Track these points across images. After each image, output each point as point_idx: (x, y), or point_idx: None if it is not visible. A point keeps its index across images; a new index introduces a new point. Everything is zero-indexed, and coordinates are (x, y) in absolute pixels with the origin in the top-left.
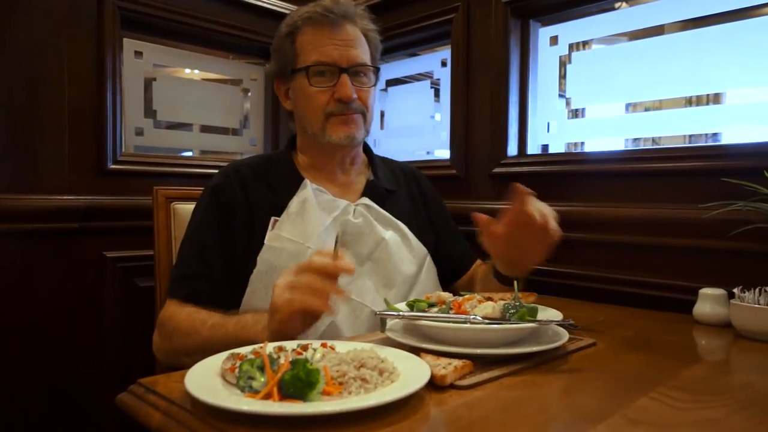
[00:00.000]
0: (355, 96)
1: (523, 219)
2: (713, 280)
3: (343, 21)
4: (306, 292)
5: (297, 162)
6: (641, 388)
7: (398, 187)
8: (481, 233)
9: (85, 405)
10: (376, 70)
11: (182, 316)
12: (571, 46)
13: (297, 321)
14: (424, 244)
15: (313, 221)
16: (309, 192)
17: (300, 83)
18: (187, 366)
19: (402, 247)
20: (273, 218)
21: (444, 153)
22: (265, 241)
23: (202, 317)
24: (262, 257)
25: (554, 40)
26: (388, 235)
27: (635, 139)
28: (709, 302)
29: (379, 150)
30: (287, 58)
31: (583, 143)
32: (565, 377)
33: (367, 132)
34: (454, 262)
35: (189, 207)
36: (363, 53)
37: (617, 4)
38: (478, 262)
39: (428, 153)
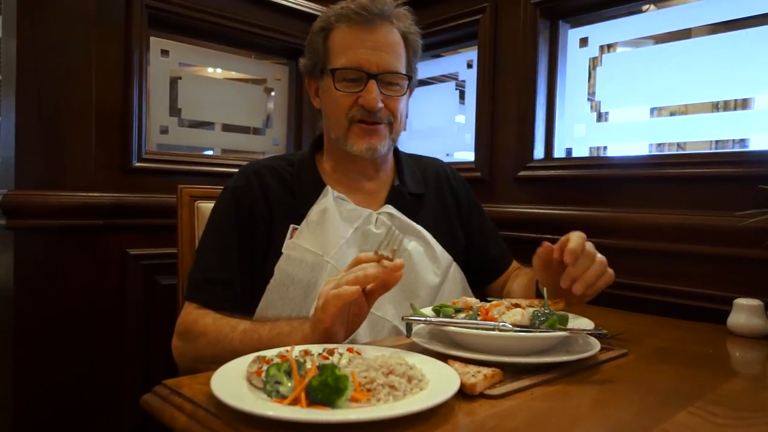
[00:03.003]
0: (381, 105)
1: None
2: (749, 290)
3: (379, 20)
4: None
5: (321, 165)
6: (678, 402)
7: (427, 190)
8: (535, 258)
9: (106, 401)
10: (410, 78)
11: (207, 321)
12: (601, 48)
13: (340, 329)
14: (451, 250)
15: (334, 233)
16: (330, 200)
17: (327, 84)
18: (211, 371)
19: (425, 258)
20: (292, 226)
21: (466, 155)
22: (283, 250)
23: (231, 323)
24: (280, 266)
25: (584, 42)
26: (411, 245)
27: (659, 144)
28: (744, 313)
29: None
30: (319, 56)
31: (605, 147)
32: (597, 388)
33: (394, 141)
34: (488, 264)
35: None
36: (396, 58)
37: (645, 7)
38: (515, 265)
39: (448, 155)
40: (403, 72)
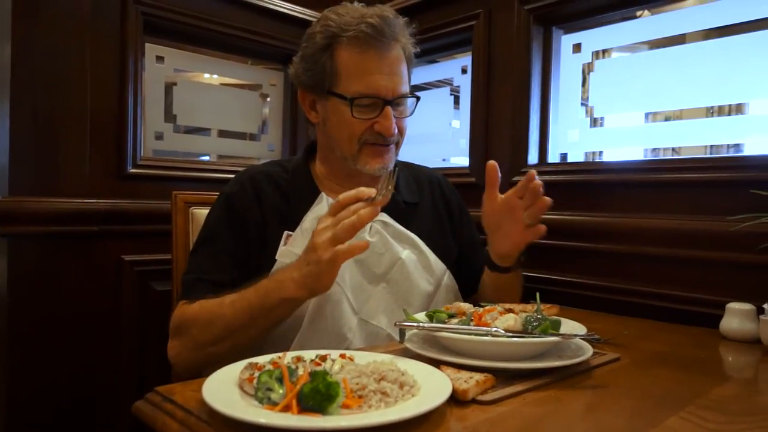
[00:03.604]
0: (396, 130)
1: (512, 204)
2: (741, 294)
3: (391, 43)
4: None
5: (314, 172)
6: (670, 407)
7: (421, 198)
8: (485, 189)
9: (101, 408)
10: (417, 98)
11: (194, 308)
12: (594, 54)
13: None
14: (444, 259)
15: None
16: (325, 207)
17: (337, 107)
18: (212, 357)
19: (419, 267)
20: (286, 233)
21: (461, 160)
22: (277, 257)
23: (215, 301)
24: None
25: (577, 48)
26: (405, 254)
27: (654, 149)
28: (736, 317)
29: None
30: (324, 74)
31: (601, 152)
32: (589, 393)
33: (397, 156)
34: (475, 274)
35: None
36: (405, 80)
37: (639, 13)
38: None
39: (444, 160)
40: (409, 92)
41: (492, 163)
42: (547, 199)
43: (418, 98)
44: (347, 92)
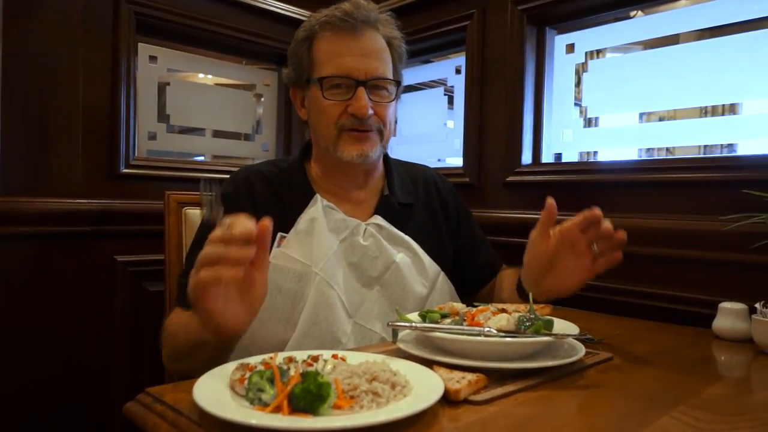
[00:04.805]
0: (371, 112)
1: (573, 237)
2: (733, 294)
3: (364, 27)
4: (211, 265)
5: (309, 172)
6: (662, 407)
7: (416, 199)
8: (538, 224)
9: (93, 409)
10: (398, 83)
11: (173, 318)
12: (587, 54)
13: (234, 313)
14: (439, 260)
15: (321, 244)
16: (319, 209)
17: (314, 94)
18: (178, 372)
19: (413, 270)
20: (280, 234)
21: (456, 160)
22: (270, 259)
23: (181, 318)
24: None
25: (570, 48)
26: (399, 257)
27: (648, 149)
28: (729, 317)
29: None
30: (303, 65)
31: (596, 153)
32: (582, 394)
33: (384, 148)
34: (476, 272)
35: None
36: (383, 65)
37: (633, 13)
38: (503, 267)
39: (439, 160)
40: (391, 77)
41: (552, 201)
42: (623, 232)
43: (399, 83)
44: (319, 75)
